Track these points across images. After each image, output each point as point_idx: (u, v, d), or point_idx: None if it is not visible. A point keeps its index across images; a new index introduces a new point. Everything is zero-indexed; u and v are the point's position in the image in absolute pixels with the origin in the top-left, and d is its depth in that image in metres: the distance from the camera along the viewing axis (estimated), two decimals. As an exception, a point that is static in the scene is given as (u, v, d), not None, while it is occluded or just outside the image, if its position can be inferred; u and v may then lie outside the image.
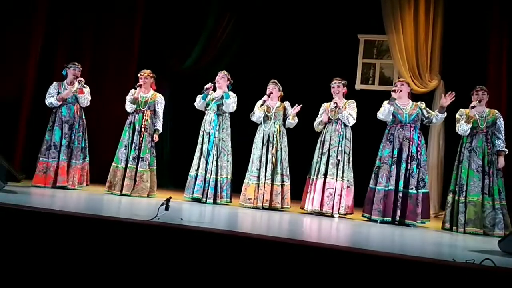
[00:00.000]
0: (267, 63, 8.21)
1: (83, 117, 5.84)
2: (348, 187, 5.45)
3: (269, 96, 5.75)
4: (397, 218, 5.05)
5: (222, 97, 5.70)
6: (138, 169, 5.60)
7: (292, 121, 5.73)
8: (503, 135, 5.14)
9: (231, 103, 5.68)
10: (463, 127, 5.10)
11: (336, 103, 5.57)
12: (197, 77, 7.79)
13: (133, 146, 5.64)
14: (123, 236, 2.76)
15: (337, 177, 5.41)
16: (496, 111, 5.25)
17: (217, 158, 5.62)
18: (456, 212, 4.99)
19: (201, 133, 5.75)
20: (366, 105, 6.07)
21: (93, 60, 7.28)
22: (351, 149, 5.55)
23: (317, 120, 5.74)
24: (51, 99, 5.70)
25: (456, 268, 2.17)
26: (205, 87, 5.72)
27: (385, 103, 5.33)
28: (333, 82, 5.72)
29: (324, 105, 5.77)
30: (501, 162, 5.05)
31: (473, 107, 5.07)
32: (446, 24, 7.03)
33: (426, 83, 7.04)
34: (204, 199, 5.52)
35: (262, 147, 5.68)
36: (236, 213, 4.86)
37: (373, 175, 5.30)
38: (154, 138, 5.77)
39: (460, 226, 4.92)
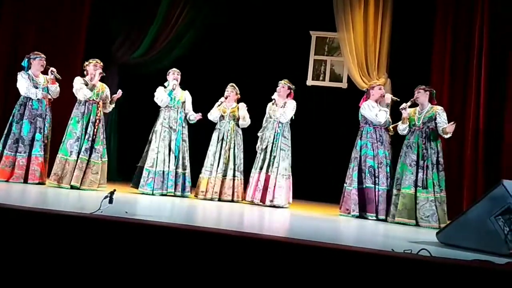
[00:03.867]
0: (217, 56, 8.19)
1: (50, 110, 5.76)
2: (285, 180, 5.79)
3: (226, 98, 6.12)
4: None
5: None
6: (90, 160, 5.48)
7: (243, 122, 6.11)
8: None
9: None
10: (399, 128, 5.49)
11: (274, 99, 6.03)
12: (145, 69, 7.65)
13: (87, 137, 5.50)
14: (67, 230, 2.67)
15: (271, 171, 5.79)
16: (439, 108, 5.44)
17: (183, 154, 5.94)
18: (391, 204, 5.30)
19: (164, 129, 5.88)
20: (317, 100, 6.19)
21: (37, 48, 6.92)
22: (288, 145, 5.92)
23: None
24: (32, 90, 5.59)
25: (394, 258, 2.26)
26: (174, 85, 5.91)
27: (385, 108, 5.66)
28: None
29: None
30: (450, 128, 5.17)
31: (403, 108, 5.40)
32: (394, 24, 7.26)
33: (374, 80, 7.23)
34: (179, 193, 5.79)
35: (217, 144, 6.02)
36: (194, 206, 5.07)
37: (367, 175, 5.43)
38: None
39: (391, 217, 5.24)
